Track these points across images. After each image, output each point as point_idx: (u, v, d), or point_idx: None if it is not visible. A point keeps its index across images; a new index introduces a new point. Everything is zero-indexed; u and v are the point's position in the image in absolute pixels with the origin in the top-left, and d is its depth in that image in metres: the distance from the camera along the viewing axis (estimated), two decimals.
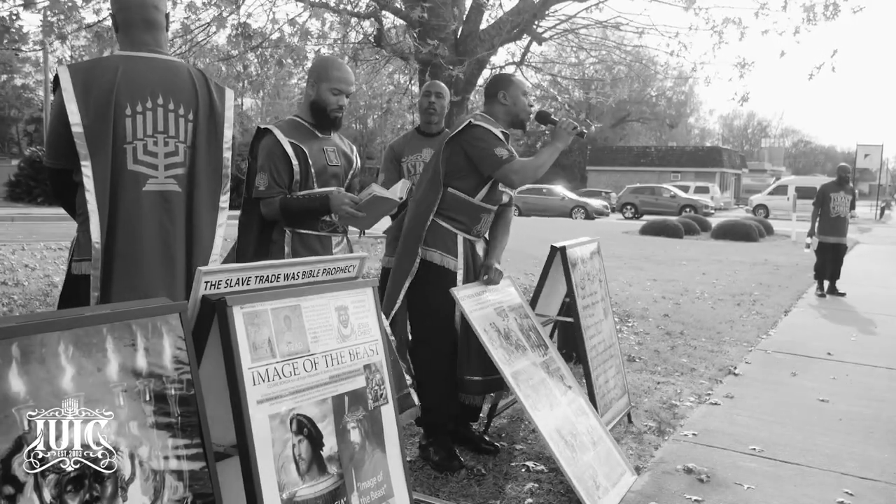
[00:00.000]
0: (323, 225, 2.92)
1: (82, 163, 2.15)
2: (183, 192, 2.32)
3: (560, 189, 29.92)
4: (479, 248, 3.30)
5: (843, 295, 8.87)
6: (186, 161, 2.32)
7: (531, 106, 3.26)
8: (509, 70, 8.12)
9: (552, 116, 3.25)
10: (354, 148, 3.19)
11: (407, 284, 3.11)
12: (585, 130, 3.23)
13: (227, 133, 2.41)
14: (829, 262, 8.97)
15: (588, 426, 3.19)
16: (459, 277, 3.14)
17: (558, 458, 2.82)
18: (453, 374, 3.16)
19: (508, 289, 3.42)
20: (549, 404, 3.06)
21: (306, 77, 2.97)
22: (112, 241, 2.19)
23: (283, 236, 2.86)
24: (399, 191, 2.74)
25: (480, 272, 3.24)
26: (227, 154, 2.41)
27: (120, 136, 2.20)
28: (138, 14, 2.29)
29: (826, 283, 9.06)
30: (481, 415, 3.66)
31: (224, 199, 2.40)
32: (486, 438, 3.48)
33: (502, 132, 3.15)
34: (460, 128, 3.11)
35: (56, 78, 2.19)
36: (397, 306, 3.13)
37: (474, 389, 3.20)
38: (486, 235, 3.39)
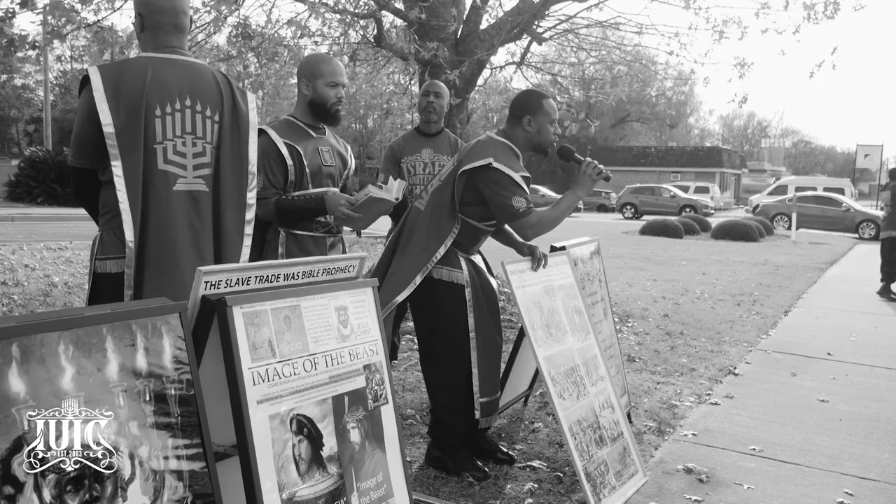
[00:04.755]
0: (318, 226, 2.91)
1: (112, 163, 2.18)
2: (210, 191, 2.35)
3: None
4: (478, 260, 3.22)
5: None
6: (213, 161, 2.35)
7: (556, 134, 3.06)
8: (509, 70, 8.11)
9: (576, 155, 3.00)
10: (349, 147, 3.17)
11: (405, 295, 2.98)
12: (611, 175, 3.03)
13: (252, 133, 2.45)
14: None
15: (611, 420, 3.14)
16: (467, 292, 3.04)
17: (573, 451, 2.79)
18: (468, 389, 3.06)
19: (563, 266, 3.31)
20: (576, 393, 2.98)
21: (297, 78, 2.96)
22: (143, 240, 2.23)
23: (277, 237, 2.85)
24: (395, 191, 2.72)
25: (526, 253, 3.12)
26: (252, 152, 2.44)
27: (150, 137, 2.23)
28: (169, 19, 2.33)
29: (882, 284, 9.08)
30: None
31: (251, 196, 2.43)
32: (503, 448, 3.38)
33: (524, 177, 2.95)
34: (477, 164, 2.91)
35: (85, 78, 2.21)
36: (387, 313, 2.97)
37: (492, 409, 3.12)
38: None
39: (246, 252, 2.41)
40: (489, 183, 2.91)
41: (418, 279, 2.98)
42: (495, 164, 2.89)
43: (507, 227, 3.31)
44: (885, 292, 9.02)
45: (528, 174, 3.00)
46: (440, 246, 2.99)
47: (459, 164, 3.00)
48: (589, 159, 2.93)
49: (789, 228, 21.40)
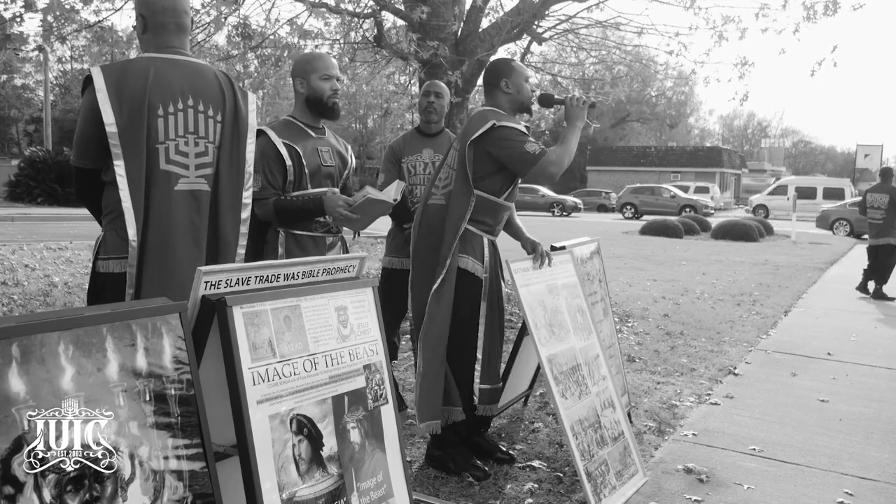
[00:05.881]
0: (317, 226, 2.91)
1: (115, 162, 2.18)
2: (211, 190, 2.36)
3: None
4: (497, 251, 3.25)
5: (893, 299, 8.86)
6: (215, 161, 2.36)
7: (533, 91, 3.17)
8: None
9: (556, 97, 3.15)
10: (349, 147, 3.17)
11: (433, 290, 3.00)
12: (595, 100, 3.17)
13: (251, 135, 2.46)
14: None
15: (612, 420, 3.15)
16: (484, 284, 3.08)
17: (574, 450, 2.79)
18: (470, 385, 3.09)
19: (567, 265, 3.32)
20: (578, 392, 2.99)
21: (293, 79, 2.95)
22: (144, 240, 2.23)
23: (276, 237, 2.86)
24: (393, 192, 2.73)
25: (529, 250, 3.18)
26: (250, 153, 2.45)
27: (152, 137, 2.24)
28: (172, 19, 2.33)
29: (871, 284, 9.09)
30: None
31: (247, 196, 2.44)
32: (503, 448, 3.38)
33: (525, 126, 3.06)
34: (483, 130, 2.96)
35: (87, 78, 2.22)
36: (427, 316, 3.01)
37: (492, 399, 3.18)
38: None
39: (241, 251, 2.42)
40: (498, 141, 2.96)
41: (444, 273, 3.00)
42: (499, 123, 2.97)
43: (515, 220, 3.34)
44: (878, 295, 9.00)
45: (527, 125, 3.08)
46: (462, 223, 3.01)
47: (464, 141, 3.03)
48: (569, 94, 3.07)
49: (849, 234, 21.04)
